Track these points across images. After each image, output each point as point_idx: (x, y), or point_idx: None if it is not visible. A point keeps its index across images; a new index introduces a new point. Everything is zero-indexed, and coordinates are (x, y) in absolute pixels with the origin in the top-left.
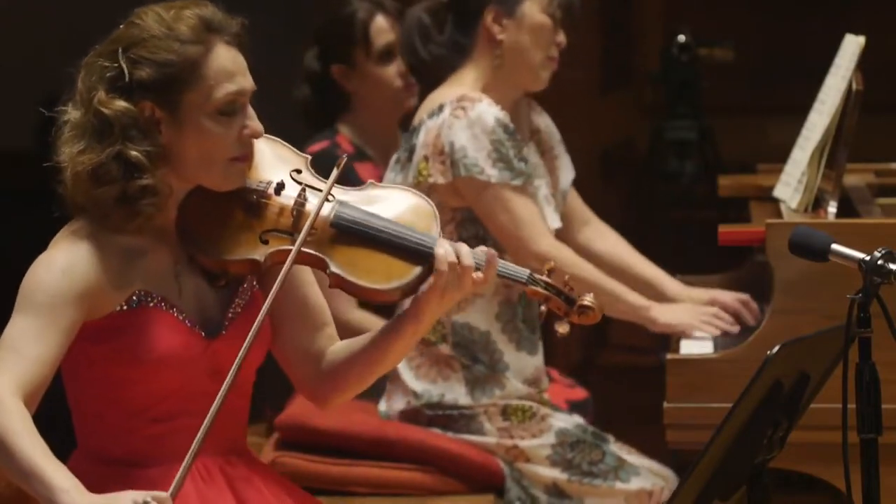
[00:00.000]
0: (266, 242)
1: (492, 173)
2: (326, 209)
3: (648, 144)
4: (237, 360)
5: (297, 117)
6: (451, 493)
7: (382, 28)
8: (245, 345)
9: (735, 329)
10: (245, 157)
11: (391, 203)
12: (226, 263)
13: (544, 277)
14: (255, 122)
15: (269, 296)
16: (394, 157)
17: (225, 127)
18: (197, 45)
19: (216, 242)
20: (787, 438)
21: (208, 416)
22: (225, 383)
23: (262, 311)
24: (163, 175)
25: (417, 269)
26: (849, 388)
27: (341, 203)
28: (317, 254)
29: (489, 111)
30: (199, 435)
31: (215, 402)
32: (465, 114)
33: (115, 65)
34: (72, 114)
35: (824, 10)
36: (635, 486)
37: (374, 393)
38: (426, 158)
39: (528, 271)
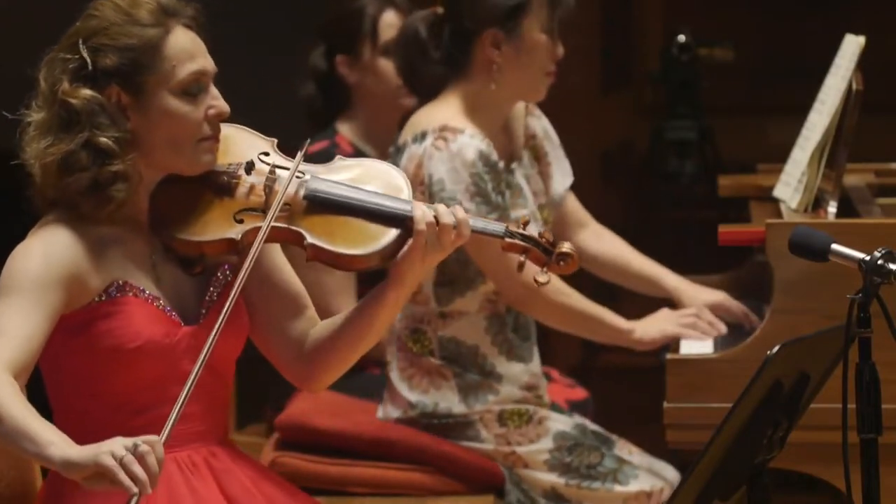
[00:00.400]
0: (241, 222)
1: (469, 207)
2: (297, 184)
3: (648, 145)
4: (210, 336)
5: (298, 117)
6: (450, 493)
7: (391, 23)
8: (219, 321)
9: (713, 334)
10: (213, 136)
11: (361, 172)
12: (202, 246)
13: (521, 230)
14: (220, 102)
15: (243, 270)
16: None
17: (191, 107)
18: (156, 28)
19: (190, 226)
20: (787, 438)
21: (188, 382)
22: (199, 360)
23: (235, 288)
24: (132, 161)
25: (393, 233)
26: (849, 388)
27: (311, 177)
28: (291, 227)
29: (470, 144)
30: (185, 393)
31: (193, 370)
32: (446, 145)
33: (77, 56)
34: (35, 114)
35: (824, 10)
36: (634, 489)
37: (374, 396)
38: None
39: (504, 225)
